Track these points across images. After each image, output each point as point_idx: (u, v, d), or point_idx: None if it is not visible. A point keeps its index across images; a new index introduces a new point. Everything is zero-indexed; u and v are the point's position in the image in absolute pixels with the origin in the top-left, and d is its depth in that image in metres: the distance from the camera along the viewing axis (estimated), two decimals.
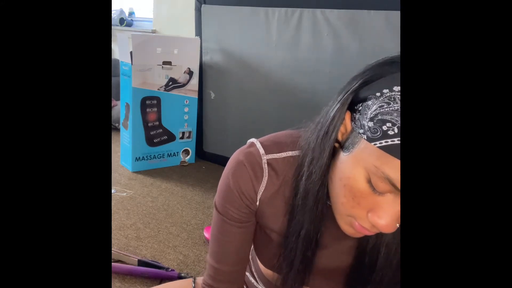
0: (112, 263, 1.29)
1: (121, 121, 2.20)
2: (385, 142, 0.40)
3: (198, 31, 2.26)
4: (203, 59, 2.28)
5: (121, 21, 3.24)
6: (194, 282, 0.68)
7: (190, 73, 2.20)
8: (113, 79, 2.75)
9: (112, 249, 1.36)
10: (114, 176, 2.07)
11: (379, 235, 0.53)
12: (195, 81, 2.23)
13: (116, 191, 1.89)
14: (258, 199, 0.56)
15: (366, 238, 0.54)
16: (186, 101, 2.24)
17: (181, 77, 2.18)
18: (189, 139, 2.33)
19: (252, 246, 0.66)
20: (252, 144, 0.57)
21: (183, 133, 2.30)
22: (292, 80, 2.00)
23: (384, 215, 0.43)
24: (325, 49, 1.86)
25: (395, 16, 1.66)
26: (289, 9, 1.92)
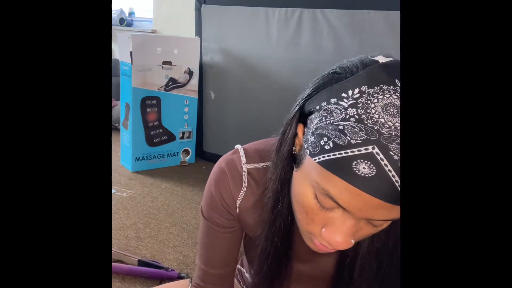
0: (112, 263, 1.29)
1: (121, 121, 2.20)
2: (322, 157, 0.38)
3: (198, 31, 2.26)
4: (203, 59, 2.28)
5: (121, 21, 3.24)
6: (191, 282, 0.69)
7: (190, 73, 2.20)
8: (113, 79, 2.75)
9: (112, 249, 1.36)
10: (114, 176, 2.07)
11: (357, 250, 0.51)
12: (195, 81, 2.23)
13: (116, 191, 1.89)
14: (237, 206, 0.55)
15: (345, 253, 0.53)
16: (186, 101, 2.24)
17: (181, 77, 2.18)
18: (189, 139, 2.33)
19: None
20: (236, 151, 0.56)
21: (183, 133, 2.29)
22: (292, 80, 2.00)
23: (335, 232, 0.41)
24: (325, 49, 1.86)
25: (395, 16, 1.66)
26: (289, 9, 1.92)
